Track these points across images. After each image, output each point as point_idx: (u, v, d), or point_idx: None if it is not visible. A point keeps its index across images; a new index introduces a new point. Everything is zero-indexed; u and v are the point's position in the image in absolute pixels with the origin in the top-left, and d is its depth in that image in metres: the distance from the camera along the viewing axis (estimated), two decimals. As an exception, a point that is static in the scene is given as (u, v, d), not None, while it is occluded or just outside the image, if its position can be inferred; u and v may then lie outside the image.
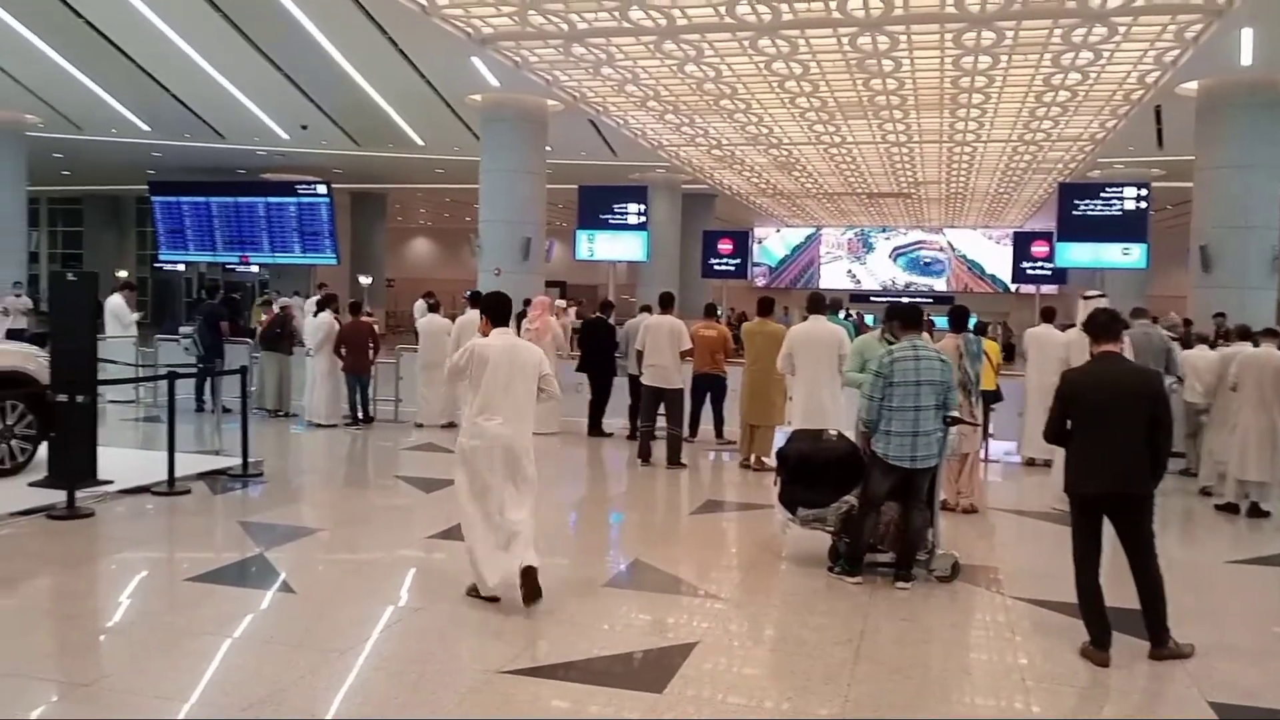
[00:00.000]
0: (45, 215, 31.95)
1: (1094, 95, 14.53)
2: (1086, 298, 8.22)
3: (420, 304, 24.37)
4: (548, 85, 14.62)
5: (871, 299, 34.15)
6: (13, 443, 7.98)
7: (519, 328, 12.95)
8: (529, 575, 5.15)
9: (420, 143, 20.67)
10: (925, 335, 6.40)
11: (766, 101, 15.47)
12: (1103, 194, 15.98)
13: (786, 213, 31.51)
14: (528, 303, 12.01)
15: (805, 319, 9.20)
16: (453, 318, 12.39)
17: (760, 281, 35.50)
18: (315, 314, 12.76)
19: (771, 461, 8.75)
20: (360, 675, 4.43)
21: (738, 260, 26.07)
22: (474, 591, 5.35)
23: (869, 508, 5.98)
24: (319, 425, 11.94)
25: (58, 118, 19.13)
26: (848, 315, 18.00)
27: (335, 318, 12.44)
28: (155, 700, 4.02)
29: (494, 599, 5.27)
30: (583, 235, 18.72)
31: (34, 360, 8.27)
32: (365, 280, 29.04)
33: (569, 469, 10.39)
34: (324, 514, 8.00)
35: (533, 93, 15.65)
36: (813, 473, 6.27)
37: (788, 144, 19.16)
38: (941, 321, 11.74)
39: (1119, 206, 15.65)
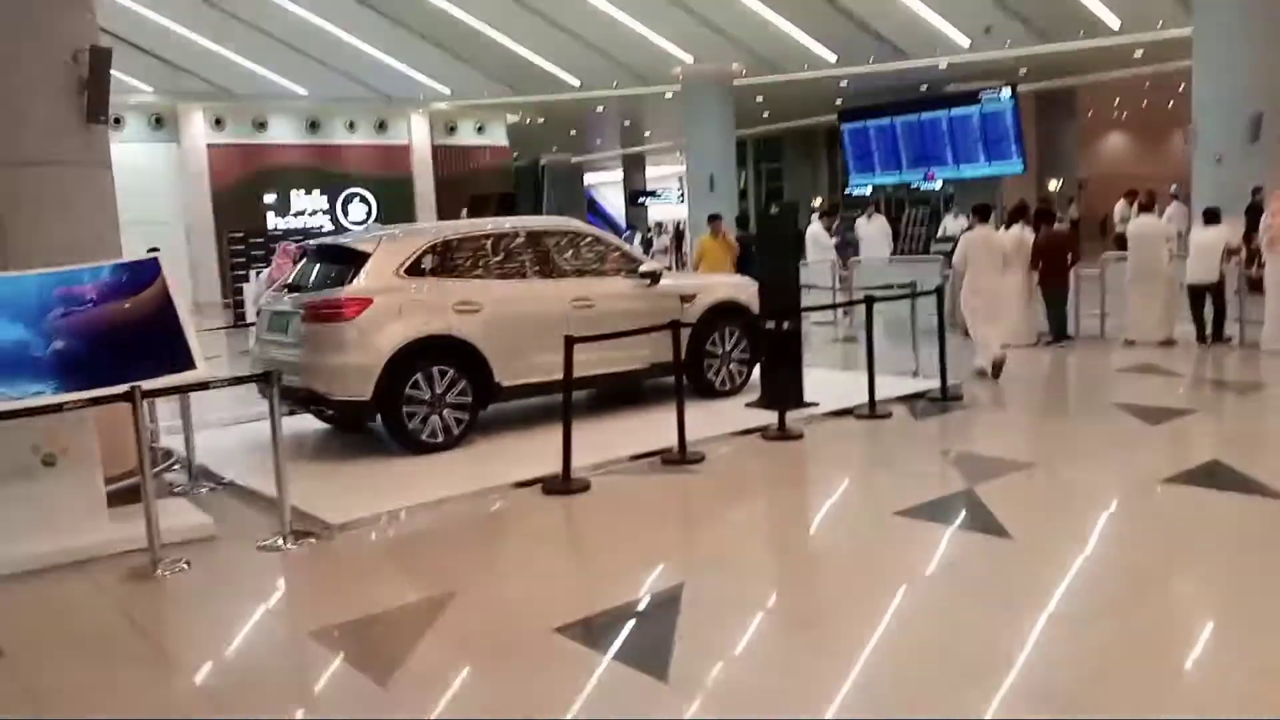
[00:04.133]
0: (751, 154, 35.34)
1: None
2: None
3: (1121, 204, 21.86)
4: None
5: None
6: (732, 366, 8.58)
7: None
8: (1001, 361, 9.02)
9: (1115, 24, 18.27)
10: None
11: None
12: None
13: None
14: (1258, 191, 9.47)
15: None
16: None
17: None
18: (1006, 227, 11.92)
19: None
20: (1108, 656, 3.64)
21: None
22: (980, 372, 9.11)
23: None
24: (1015, 347, 11.16)
25: (758, 62, 20.72)
26: None
27: (1027, 229, 11.49)
28: (871, 655, 3.72)
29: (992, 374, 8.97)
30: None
31: (745, 290, 8.79)
32: (1054, 184, 27.00)
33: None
34: (1032, 445, 7.27)
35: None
36: None
37: None
38: None
39: None
